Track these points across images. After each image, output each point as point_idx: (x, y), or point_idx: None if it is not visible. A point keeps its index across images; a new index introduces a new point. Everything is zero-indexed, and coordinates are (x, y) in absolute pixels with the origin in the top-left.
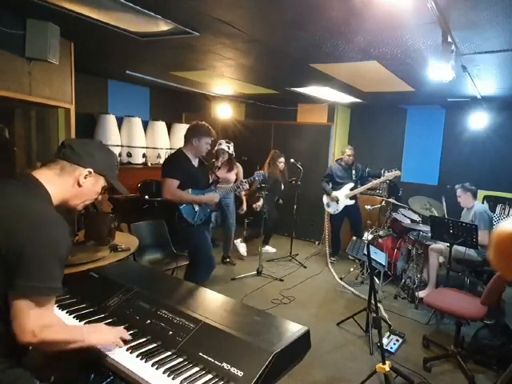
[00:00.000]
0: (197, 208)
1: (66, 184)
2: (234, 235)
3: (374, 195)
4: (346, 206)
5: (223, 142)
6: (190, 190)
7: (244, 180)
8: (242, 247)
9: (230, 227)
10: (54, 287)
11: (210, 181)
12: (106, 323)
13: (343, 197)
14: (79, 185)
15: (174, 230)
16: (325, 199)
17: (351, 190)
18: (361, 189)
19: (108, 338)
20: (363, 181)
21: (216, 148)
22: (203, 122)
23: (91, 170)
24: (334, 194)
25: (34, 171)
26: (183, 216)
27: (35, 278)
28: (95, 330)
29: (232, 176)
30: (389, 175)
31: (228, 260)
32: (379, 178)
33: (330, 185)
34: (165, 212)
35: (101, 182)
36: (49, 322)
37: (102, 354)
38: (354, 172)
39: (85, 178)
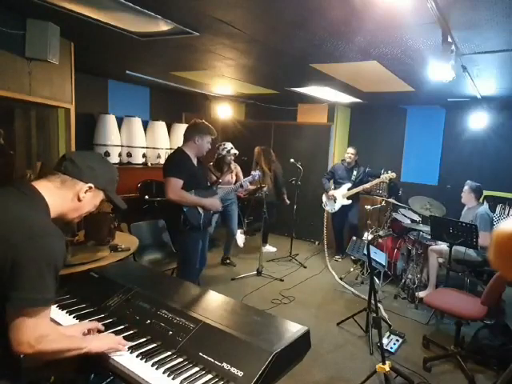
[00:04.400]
0: (201, 210)
1: (66, 197)
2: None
3: (373, 195)
4: (344, 206)
5: (229, 144)
6: (193, 191)
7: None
8: (240, 238)
9: (233, 231)
10: (48, 298)
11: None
12: (106, 323)
13: (340, 196)
14: (79, 199)
15: (175, 231)
16: (324, 198)
17: (348, 190)
18: (355, 190)
19: (107, 345)
20: (363, 183)
21: (224, 152)
22: (202, 120)
23: (92, 185)
24: (332, 192)
25: (34, 181)
26: (188, 218)
27: (31, 290)
28: (94, 337)
29: (231, 177)
30: (383, 177)
31: (228, 261)
32: (379, 177)
33: (332, 184)
34: (167, 212)
35: (100, 196)
36: (45, 332)
37: (103, 354)
38: (354, 173)
39: (85, 192)
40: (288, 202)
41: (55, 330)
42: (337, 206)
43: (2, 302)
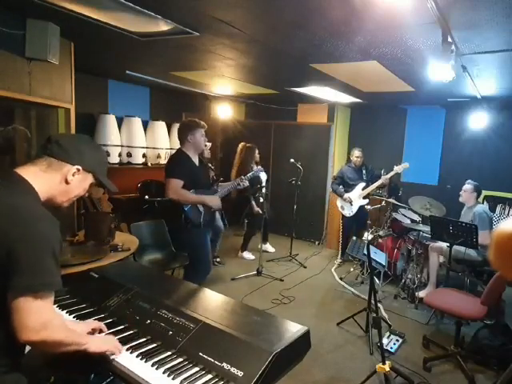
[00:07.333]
0: (201, 208)
1: (53, 180)
2: (234, 235)
3: (374, 195)
4: (360, 206)
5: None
6: (193, 190)
7: (244, 177)
8: (247, 255)
9: (220, 228)
10: (51, 282)
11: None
12: (106, 323)
13: (356, 197)
14: (67, 182)
15: (176, 230)
16: (339, 202)
17: (363, 189)
18: (372, 187)
19: (106, 346)
20: (373, 181)
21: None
22: (189, 118)
23: (79, 167)
24: (347, 195)
25: (17, 168)
26: (189, 217)
27: (31, 275)
28: (94, 336)
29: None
30: (397, 168)
31: (217, 260)
32: (379, 178)
33: (342, 187)
34: (168, 212)
35: (89, 179)
36: (49, 319)
37: (103, 354)
38: (364, 172)
39: (73, 175)
40: (256, 209)
41: (59, 316)
42: (354, 208)
43: (2, 292)
